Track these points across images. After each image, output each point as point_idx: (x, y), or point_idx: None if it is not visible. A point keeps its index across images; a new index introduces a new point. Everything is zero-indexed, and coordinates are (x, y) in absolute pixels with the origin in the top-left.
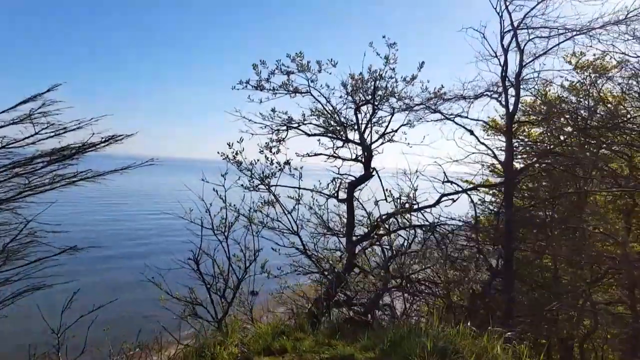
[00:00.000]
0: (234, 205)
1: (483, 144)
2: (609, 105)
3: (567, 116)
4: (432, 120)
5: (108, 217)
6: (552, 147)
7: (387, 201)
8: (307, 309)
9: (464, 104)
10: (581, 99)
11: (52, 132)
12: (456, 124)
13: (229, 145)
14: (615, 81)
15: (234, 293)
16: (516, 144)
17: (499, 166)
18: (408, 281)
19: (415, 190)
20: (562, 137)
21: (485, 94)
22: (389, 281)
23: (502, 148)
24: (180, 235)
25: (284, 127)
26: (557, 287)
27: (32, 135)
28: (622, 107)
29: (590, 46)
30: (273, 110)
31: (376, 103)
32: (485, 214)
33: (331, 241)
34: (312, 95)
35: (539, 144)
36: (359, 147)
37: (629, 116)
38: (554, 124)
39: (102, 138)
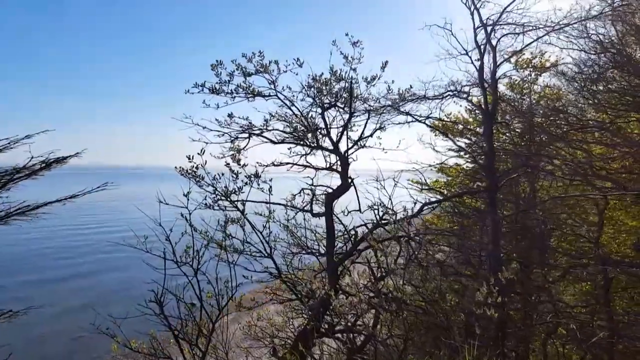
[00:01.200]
0: (202, 230)
1: (460, 147)
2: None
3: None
4: (400, 123)
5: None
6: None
7: (360, 212)
8: (289, 343)
9: (432, 105)
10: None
11: None
12: (428, 126)
13: (189, 159)
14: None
15: (207, 339)
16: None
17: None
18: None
19: (390, 199)
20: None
21: (454, 93)
22: (381, 304)
23: (479, 149)
24: (133, 267)
25: (245, 135)
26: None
27: None
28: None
29: (554, 44)
30: (230, 115)
31: (341, 106)
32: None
33: (308, 261)
34: (278, 97)
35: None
36: (332, 155)
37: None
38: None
39: (42, 161)
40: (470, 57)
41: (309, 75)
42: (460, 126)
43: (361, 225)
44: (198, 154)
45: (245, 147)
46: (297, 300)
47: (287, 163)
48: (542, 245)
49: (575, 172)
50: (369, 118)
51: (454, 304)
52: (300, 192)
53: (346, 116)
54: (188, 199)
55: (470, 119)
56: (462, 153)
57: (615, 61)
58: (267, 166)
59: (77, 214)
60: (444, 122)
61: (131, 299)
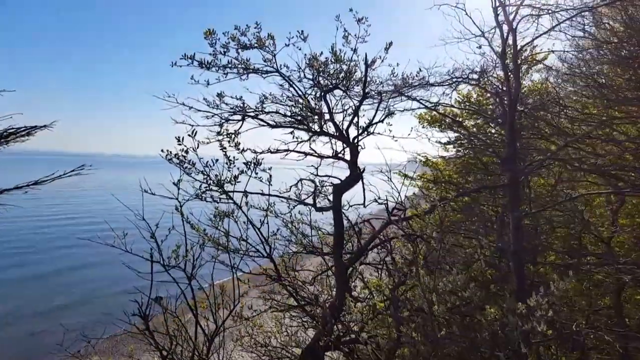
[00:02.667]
0: (195, 225)
1: (475, 136)
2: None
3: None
4: (405, 110)
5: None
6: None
7: (364, 206)
8: (288, 356)
9: (439, 91)
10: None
11: None
12: (439, 113)
13: (179, 141)
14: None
15: None
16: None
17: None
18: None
19: (399, 192)
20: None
21: (465, 79)
22: (399, 312)
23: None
24: (107, 267)
25: (237, 117)
26: None
27: None
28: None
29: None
30: (220, 95)
31: (343, 88)
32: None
33: (311, 261)
34: (279, 74)
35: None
36: (338, 142)
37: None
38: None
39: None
40: (487, 40)
41: (306, 54)
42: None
43: (365, 221)
44: (189, 135)
45: (237, 131)
46: (299, 307)
47: (286, 150)
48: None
49: (597, 168)
50: (380, 102)
51: (492, 318)
52: (298, 183)
53: (349, 100)
54: (179, 189)
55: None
56: (476, 142)
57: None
58: (261, 153)
59: (43, 203)
60: (462, 110)
61: (107, 306)
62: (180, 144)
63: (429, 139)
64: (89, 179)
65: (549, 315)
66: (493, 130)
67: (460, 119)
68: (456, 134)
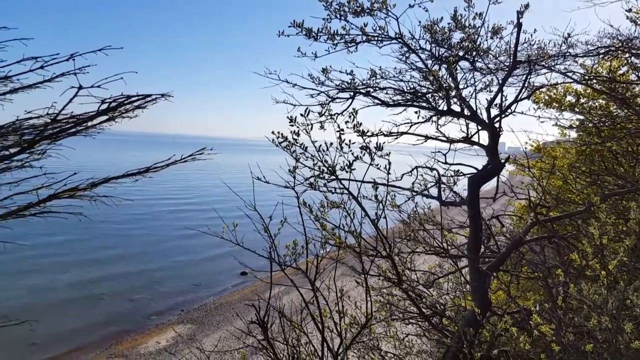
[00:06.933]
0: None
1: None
2: None
3: None
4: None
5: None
6: None
7: (494, 200)
8: None
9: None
10: None
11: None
12: (595, 89)
13: (291, 121)
14: None
15: None
16: None
17: None
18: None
19: (542, 185)
20: None
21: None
22: (562, 339)
23: None
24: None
25: (346, 95)
26: None
27: None
28: None
29: None
30: (325, 70)
31: (473, 60)
32: None
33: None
34: (402, 41)
35: None
36: (471, 124)
37: None
38: None
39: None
40: None
41: (420, 22)
42: None
43: (495, 217)
44: (301, 114)
45: (355, 109)
46: (423, 317)
47: (401, 132)
48: None
49: None
50: (529, 73)
51: None
52: (412, 171)
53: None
54: (294, 177)
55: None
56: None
57: None
58: (371, 135)
59: (152, 188)
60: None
61: (197, 279)
62: (292, 124)
63: (540, 120)
64: (191, 163)
65: None
66: None
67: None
68: (580, 116)
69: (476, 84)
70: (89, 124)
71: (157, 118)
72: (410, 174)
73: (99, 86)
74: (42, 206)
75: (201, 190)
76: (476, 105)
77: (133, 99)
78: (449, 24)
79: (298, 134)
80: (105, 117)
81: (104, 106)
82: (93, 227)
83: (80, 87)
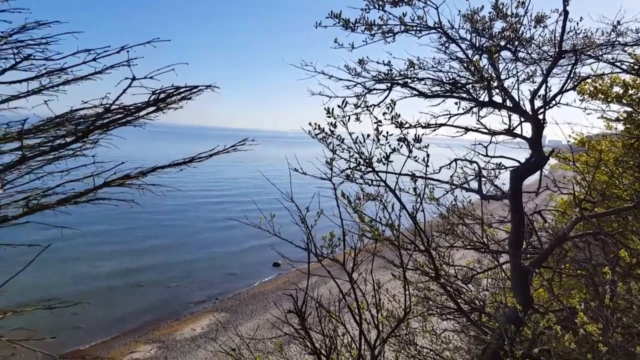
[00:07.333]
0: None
1: None
2: None
3: None
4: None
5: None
6: None
7: (536, 195)
8: None
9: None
10: None
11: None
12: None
13: (328, 112)
14: None
15: None
16: None
17: None
18: None
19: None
20: None
21: None
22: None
23: None
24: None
25: (383, 86)
26: None
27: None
28: None
29: None
30: (361, 61)
31: (515, 50)
32: None
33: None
34: (442, 31)
35: None
36: (513, 115)
37: None
38: None
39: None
40: None
41: (460, 11)
42: None
43: (537, 212)
44: (339, 106)
45: (381, 101)
46: (461, 312)
47: (440, 124)
48: None
49: None
50: (575, 63)
51: None
52: (450, 164)
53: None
54: (332, 168)
55: None
56: None
57: None
58: (409, 127)
59: (194, 178)
60: None
61: (233, 268)
62: (330, 116)
63: (586, 112)
64: (228, 156)
65: None
66: None
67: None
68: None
69: (519, 74)
70: (139, 114)
71: (190, 110)
72: (448, 166)
73: (151, 77)
74: (94, 193)
75: (237, 182)
76: (519, 97)
77: (182, 90)
78: (490, 13)
79: (335, 126)
80: (153, 108)
81: (154, 97)
82: (135, 217)
83: (133, 78)
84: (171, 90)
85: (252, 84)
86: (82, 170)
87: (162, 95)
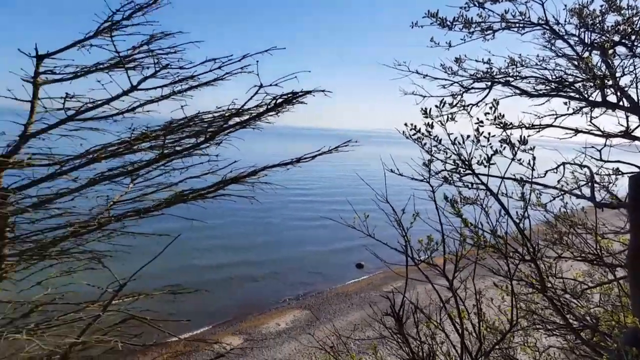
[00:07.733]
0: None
1: None
2: None
3: None
4: None
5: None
6: None
7: None
8: None
9: None
10: None
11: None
12: None
13: (425, 113)
14: None
15: None
16: None
17: None
18: None
19: None
20: None
21: None
22: None
23: None
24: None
25: (482, 85)
26: None
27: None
28: None
29: None
30: (458, 60)
31: (632, 45)
32: None
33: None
34: (548, 27)
35: None
36: (632, 116)
37: None
38: None
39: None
40: None
41: (566, 5)
42: None
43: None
44: (436, 106)
45: (480, 101)
46: (570, 329)
47: (548, 125)
48: None
49: None
50: None
51: None
52: (557, 168)
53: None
54: (430, 170)
55: None
56: None
57: None
58: (511, 128)
59: (292, 178)
60: None
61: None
62: (426, 116)
63: None
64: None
65: None
66: None
67: None
68: None
69: (636, 71)
70: (260, 117)
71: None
72: (555, 170)
73: (276, 84)
74: (222, 190)
75: (331, 181)
76: (638, 96)
77: (299, 94)
78: (601, 6)
79: (432, 126)
80: (273, 113)
81: (273, 102)
82: (236, 213)
83: (260, 86)
84: (289, 96)
85: (341, 83)
86: (199, 168)
87: (280, 100)
